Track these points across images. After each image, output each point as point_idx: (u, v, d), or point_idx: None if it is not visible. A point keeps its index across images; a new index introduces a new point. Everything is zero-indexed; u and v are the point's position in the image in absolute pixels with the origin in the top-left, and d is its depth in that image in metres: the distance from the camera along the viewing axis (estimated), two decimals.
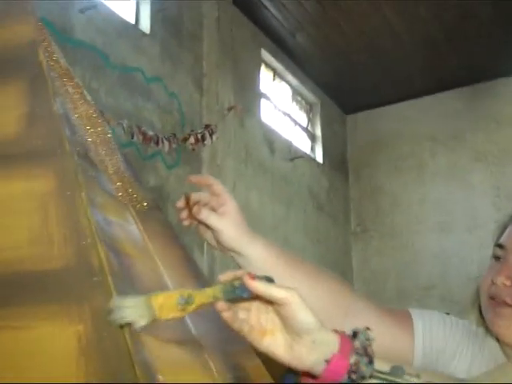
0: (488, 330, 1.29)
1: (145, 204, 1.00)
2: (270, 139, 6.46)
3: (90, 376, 0.48)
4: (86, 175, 0.79)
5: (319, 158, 7.57)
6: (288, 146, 6.82)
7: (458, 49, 6.82)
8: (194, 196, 1.17)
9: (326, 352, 0.85)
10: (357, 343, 0.87)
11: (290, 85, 7.25)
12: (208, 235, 1.19)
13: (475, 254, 7.00)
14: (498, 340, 1.28)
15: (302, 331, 0.84)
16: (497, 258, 1.31)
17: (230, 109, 5.54)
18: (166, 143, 4.69)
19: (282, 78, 7.11)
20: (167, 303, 0.76)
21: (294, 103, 7.36)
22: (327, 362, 0.85)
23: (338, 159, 8.06)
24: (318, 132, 7.70)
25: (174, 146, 4.79)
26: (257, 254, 1.19)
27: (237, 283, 0.82)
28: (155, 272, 0.83)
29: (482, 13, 6.21)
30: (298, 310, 0.84)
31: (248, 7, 6.17)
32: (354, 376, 0.86)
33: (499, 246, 1.33)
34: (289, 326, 0.85)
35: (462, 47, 6.79)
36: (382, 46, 6.80)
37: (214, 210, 1.17)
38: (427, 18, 6.33)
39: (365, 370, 0.86)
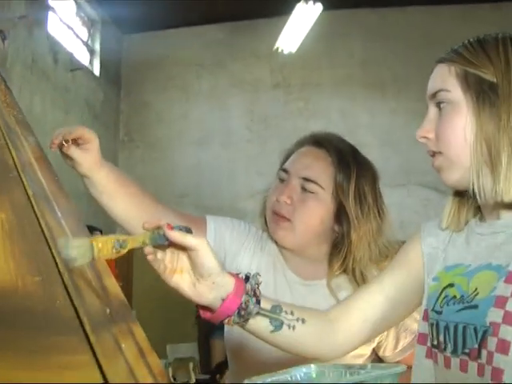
0: (270, 236, 1.51)
1: (20, 117, 1.12)
2: (54, 50, 6.56)
3: (16, 255, 0.48)
4: None
5: (96, 71, 7.74)
6: (70, 57, 6.94)
7: None
8: (69, 136, 1.36)
9: (222, 292, 0.97)
10: (248, 286, 1.00)
11: (75, 1, 7.31)
12: (70, 163, 1.41)
13: (225, 167, 7.68)
14: (277, 244, 1.51)
15: (205, 273, 0.96)
16: (281, 180, 1.47)
17: (20, 18, 5.58)
18: None
19: None
20: (105, 247, 0.83)
21: (78, 18, 7.45)
22: (223, 299, 0.98)
23: (113, 74, 8.20)
24: (97, 47, 7.85)
25: None
26: (100, 179, 1.42)
27: (160, 231, 0.92)
28: (38, 176, 0.89)
29: None
30: (204, 256, 0.95)
31: None
32: (242, 312, 0.99)
33: (284, 170, 1.47)
34: (196, 268, 0.96)
35: None
36: None
37: (78, 144, 1.37)
38: None
39: (252, 308, 0.99)
